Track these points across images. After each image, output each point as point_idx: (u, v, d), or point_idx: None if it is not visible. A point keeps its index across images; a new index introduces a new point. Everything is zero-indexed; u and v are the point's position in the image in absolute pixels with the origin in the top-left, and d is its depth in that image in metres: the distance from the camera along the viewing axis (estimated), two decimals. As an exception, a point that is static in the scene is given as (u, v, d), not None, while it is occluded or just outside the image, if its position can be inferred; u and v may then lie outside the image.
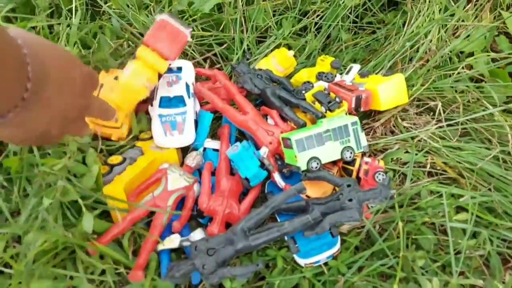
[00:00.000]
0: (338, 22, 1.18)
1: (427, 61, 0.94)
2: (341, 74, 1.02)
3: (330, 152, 0.78)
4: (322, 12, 1.20)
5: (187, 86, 0.90)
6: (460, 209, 0.75)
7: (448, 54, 0.95)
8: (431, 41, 0.94)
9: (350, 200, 0.71)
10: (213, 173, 0.85)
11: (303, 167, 0.76)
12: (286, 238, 0.75)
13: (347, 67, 1.00)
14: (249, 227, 0.72)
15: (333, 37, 1.19)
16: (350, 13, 1.20)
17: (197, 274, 0.75)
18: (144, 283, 0.71)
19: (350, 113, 0.87)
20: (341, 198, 0.72)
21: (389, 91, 0.86)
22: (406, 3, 1.17)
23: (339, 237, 0.75)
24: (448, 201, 0.74)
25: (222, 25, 1.09)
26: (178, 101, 0.88)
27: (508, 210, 0.75)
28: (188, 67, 0.93)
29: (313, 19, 1.19)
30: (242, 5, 1.10)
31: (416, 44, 0.98)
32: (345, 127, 0.79)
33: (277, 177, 0.81)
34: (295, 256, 0.74)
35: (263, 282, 0.74)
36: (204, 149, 0.89)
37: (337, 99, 0.85)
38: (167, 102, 0.88)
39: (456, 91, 0.90)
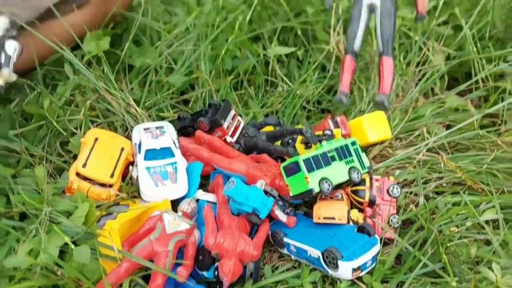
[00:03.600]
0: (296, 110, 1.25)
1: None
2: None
3: (338, 172, 0.74)
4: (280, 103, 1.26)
5: (173, 140, 0.86)
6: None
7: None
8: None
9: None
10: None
11: (316, 188, 0.71)
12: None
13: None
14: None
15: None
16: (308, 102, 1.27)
17: None
18: None
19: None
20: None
21: (372, 121, 0.89)
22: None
23: (377, 237, 0.68)
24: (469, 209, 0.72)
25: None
26: (165, 153, 0.83)
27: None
28: (169, 125, 0.90)
29: (275, 106, 1.25)
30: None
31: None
32: (346, 146, 0.77)
33: (277, 211, 0.76)
34: (340, 263, 0.64)
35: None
36: (197, 200, 0.81)
37: (327, 132, 0.85)
38: (153, 154, 0.82)
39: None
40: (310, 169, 0.72)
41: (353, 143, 0.78)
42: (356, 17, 0.77)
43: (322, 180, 0.72)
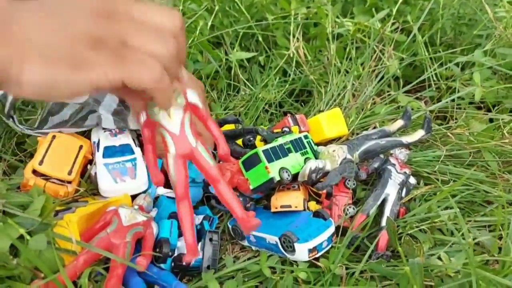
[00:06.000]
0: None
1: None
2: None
3: (295, 163, 0.77)
4: (242, 107, 1.29)
5: (133, 138, 0.86)
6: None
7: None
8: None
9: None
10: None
11: (277, 177, 0.73)
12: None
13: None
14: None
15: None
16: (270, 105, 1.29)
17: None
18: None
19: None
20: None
21: (329, 119, 0.91)
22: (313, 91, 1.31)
23: (332, 220, 0.71)
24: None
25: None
26: (124, 150, 0.82)
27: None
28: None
29: (238, 109, 1.27)
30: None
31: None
32: (299, 139, 0.80)
33: None
34: (296, 245, 0.65)
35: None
36: (157, 198, 0.81)
37: (286, 129, 0.87)
38: (112, 152, 0.82)
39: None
40: (269, 160, 0.74)
41: (306, 137, 0.82)
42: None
43: (282, 169, 0.74)
